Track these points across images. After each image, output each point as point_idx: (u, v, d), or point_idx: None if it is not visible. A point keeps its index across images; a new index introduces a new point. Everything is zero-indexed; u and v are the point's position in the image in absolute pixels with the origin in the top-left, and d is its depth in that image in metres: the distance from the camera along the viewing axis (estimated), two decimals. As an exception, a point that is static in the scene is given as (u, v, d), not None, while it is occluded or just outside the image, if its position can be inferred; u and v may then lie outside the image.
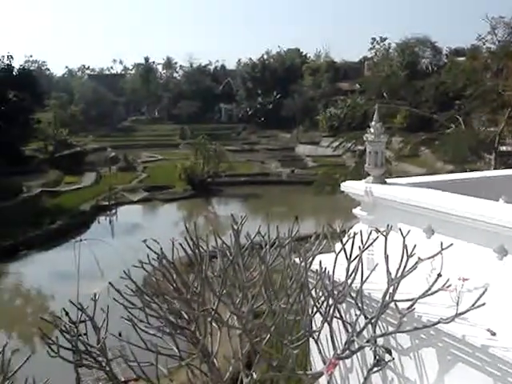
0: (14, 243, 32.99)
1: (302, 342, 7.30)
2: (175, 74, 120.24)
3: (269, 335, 7.43)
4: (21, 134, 57.32)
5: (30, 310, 26.86)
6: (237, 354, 7.76)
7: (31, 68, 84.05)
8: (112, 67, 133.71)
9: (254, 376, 7.29)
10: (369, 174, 8.18)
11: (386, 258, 6.28)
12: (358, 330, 6.72)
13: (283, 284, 7.38)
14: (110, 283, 7.46)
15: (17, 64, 64.90)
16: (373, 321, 6.51)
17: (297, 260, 7.35)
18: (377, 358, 6.44)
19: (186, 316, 7.58)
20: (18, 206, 39.81)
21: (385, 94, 36.97)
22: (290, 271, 7.32)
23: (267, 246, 7.64)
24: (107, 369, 7.33)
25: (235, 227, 7.49)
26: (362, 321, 6.70)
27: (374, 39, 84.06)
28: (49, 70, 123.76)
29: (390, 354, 6.48)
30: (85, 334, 7.34)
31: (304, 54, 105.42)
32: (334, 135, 47.51)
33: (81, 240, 25.49)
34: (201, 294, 7.25)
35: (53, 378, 6.59)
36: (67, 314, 7.34)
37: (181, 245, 7.54)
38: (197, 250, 7.36)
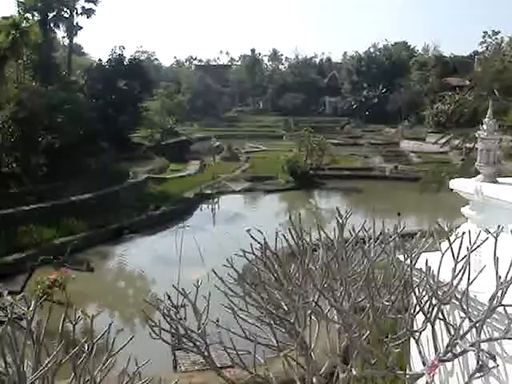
0: (119, 226, 34.17)
1: (403, 341, 7.14)
2: (280, 66, 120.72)
3: (368, 332, 7.31)
4: (130, 121, 59.17)
5: (132, 291, 27.67)
6: (334, 349, 7.69)
7: (141, 58, 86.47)
8: (219, 58, 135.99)
9: (354, 372, 7.20)
10: (479, 173, 7.89)
11: (496, 260, 6.04)
12: (462, 333, 6.50)
13: (386, 281, 7.23)
14: (213, 270, 7.55)
15: (128, 54, 66.99)
16: (478, 324, 6.27)
17: (401, 257, 7.19)
18: (480, 363, 6.22)
19: (284, 307, 7.57)
20: (125, 190, 41.16)
21: (496, 91, 35.53)
22: (394, 268, 7.16)
23: (371, 241, 7.52)
24: (206, 354, 7.42)
25: (340, 221, 7.40)
26: (466, 324, 6.48)
27: (485, 33, 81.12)
28: (157, 60, 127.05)
29: (495, 360, 6.24)
30: (184, 319, 7.47)
31: (412, 47, 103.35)
32: (440, 131, 46.31)
33: (184, 226, 26.02)
34: (302, 285, 7.22)
35: (150, 359, 6.73)
36: (169, 298, 7.49)
37: (284, 236, 7.53)
38: (300, 242, 7.32)
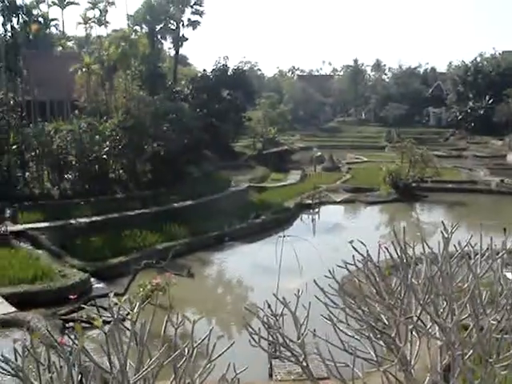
0: (220, 234, 34.66)
1: (510, 363, 6.85)
2: (384, 76, 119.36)
3: (472, 351, 7.06)
4: (232, 130, 60.16)
5: (231, 298, 27.96)
6: (435, 366, 7.48)
7: (244, 68, 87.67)
8: (321, 68, 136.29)
9: (457, 392, 6.97)
10: None
11: None
12: None
13: (492, 298, 6.97)
14: (314, 281, 7.52)
15: (231, 65, 68.18)
16: None
17: (508, 275, 6.92)
18: None
19: (385, 321, 7.43)
20: (226, 198, 41.82)
21: None
22: (501, 286, 6.89)
23: (477, 257, 7.27)
24: (303, 364, 7.37)
25: (445, 234, 7.20)
26: None
27: None
28: (260, 70, 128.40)
29: None
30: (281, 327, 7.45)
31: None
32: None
33: (284, 236, 26.04)
34: (404, 300, 7.07)
35: (246, 365, 6.77)
36: (269, 306, 7.50)
37: (386, 248, 7.41)
38: (403, 255, 7.18)
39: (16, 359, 5.75)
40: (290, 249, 24.83)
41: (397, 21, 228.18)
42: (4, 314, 21.05)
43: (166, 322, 6.24)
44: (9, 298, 22.72)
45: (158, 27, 60.74)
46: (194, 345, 6.16)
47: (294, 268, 24.34)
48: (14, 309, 21.73)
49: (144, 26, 60.74)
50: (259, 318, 7.22)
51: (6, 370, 5.66)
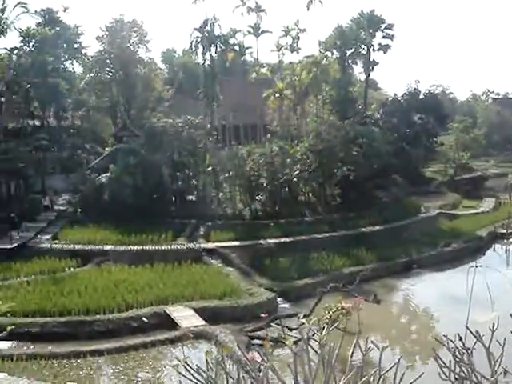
0: (408, 260, 34.08)
1: None
2: None
3: None
4: (423, 155, 58.86)
5: (416, 327, 27.23)
6: None
7: (436, 92, 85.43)
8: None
9: None
10: None
11: None
12: None
13: None
14: (511, 315, 7.14)
15: (423, 88, 66.86)
16: None
17: None
18: None
19: None
20: (415, 224, 41.03)
21: None
22: None
23: None
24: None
25: None
26: None
27: None
28: (452, 93, 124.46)
29: None
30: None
31: None
32: None
33: (475, 266, 25.01)
34: None
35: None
36: (460, 339, 7.23)
37: None
38: None
39: (208, 370, 6.00)
40: (481, 280, 23.71)
41: None
42: (195, 327, 22.15)
43: (354, 346, 6.22)
44: (199, 312, 23.92)
45: (349, 52, 61.15)
46: (381, 372, 6.07)
47: (485, 300, 23.18)
48: (203, 322, 22.84)
49: (335, 51, 61.46)
50: (449, 350, 6.97)
51: (197, 380, 5.92)
